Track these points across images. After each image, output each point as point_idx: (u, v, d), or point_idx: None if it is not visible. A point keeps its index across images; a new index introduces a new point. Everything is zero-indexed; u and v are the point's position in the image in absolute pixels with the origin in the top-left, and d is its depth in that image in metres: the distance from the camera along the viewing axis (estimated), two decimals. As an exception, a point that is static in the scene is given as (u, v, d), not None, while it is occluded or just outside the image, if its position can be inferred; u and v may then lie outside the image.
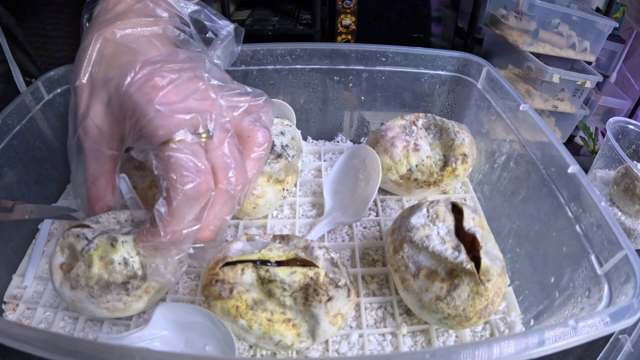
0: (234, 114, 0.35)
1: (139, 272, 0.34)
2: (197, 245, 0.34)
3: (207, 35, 0.42)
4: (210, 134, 0.32)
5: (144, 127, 0.31)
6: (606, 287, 0.32)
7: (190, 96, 0.33)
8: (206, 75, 0.36)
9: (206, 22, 0.42)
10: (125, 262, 0.33)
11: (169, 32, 0.38)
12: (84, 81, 0.35)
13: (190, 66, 0.35)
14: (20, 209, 0.34)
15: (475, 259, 0.34)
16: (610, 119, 0.58)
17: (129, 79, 0.32)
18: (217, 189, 0.33)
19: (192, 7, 0.41)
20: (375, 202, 0.51)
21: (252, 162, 0.36)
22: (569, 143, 1.70)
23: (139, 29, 0.36)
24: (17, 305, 0.40)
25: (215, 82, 0.36)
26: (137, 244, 0.33)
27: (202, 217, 0.32)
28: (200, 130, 0.32)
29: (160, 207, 0.31)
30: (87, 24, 0.38)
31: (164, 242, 0.32)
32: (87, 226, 0.35)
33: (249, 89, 0.37)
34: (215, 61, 0.41)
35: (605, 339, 0.37)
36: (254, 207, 0.45)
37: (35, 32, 0.54)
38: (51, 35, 0.55)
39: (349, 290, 0.34)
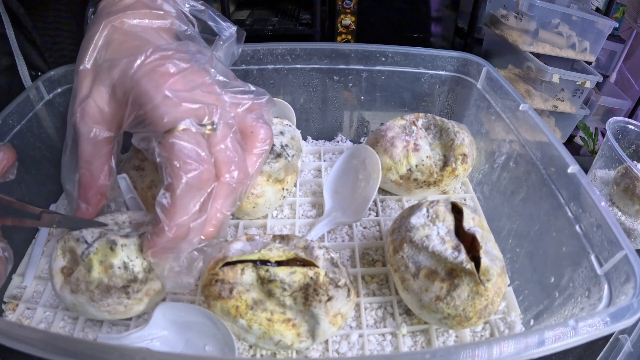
0: (237, 110, 0.35)
1: (140, 276, 0.34)
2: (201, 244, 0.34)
3: (209, 35, 0.42)
4: (215, 126, 0.32)
5: (149, 111, 0.31)
6: (606, 287, 0.32)
7: (197, 88, 0.33)
8: (212, 70, 0.36)
9: (209, 22, 0.42)
10: (125, 266, 0.33)
11: (175, 27, 0.38)
12: (88, 66, 0.34)
13: (199, 58, 0.35)
14: (48, 218, 0.34)
15: (475, 259, 0.34)
16: (610, 119, 0.58)
17: (138, 61, 0.32)
18: (220, 183, 0.33)
19: (197, 7, 0.41)
20: (375, 202, 0.51)
21: (254, 157, 0.36)
22: (569, 143, 1.70)
23: (147, 21, 0.36)
24: (17, 305, 0.40)
25: (220, 77, 0.36)
26: (144, 253, 0.33)
27: (207, 207, 0.32)
28: (206, 121, 0.32)
29: (162, 199, 0.31)
30: (92, 17, 0.38)
31: (170, 238, 0.31)
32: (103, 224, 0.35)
33: (252, 87, 0.38)
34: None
35: (605, 339, 0.37)
36: (254, 207, 0.45)
37: (42, 25, 0.54)
38: (51, 34, 0.55)
39: (348, 290, 0.34)
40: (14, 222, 0.33)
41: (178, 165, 0.30)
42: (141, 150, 0.34)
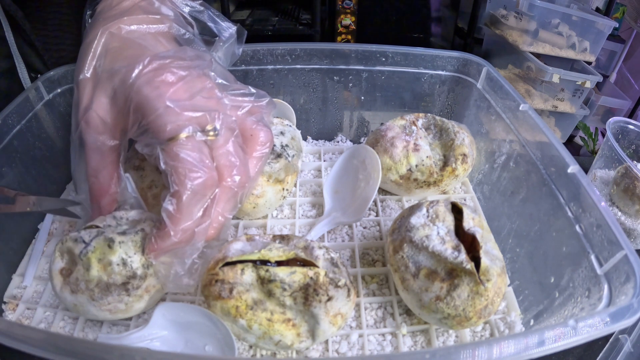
0: (237, 113, 0.36)
1: (138, 272, 0.34)
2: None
3: (209, 36, 0.42)
4: (216, 132, 0.33)
5: (152, 121, 0.31)
6: (606, 287, 0.32)
7: (198, 94, 0.33)
8: (212, 74, 0.36)
9: (209, 23, 0.42)
10: (124, 263, 0.33)
11: (174, 30, 0.38)
12: (88, 75, 0.34)
13: (198, 64, 0.35)
14: (23, 201, 0.34)
15: (475, 259, 0.34)
16: (610, 119, 0.58)
17: (136, 71, 0.32)
18: (222, 187, 0.33)
19: (196, 8, 0.41)
20: (375, 202, 0.51)
21: (255, 160, 0.36)
22: (569, 143, 1.70)
23: (145, 26, 0.36)
24: (17, 305, 0.40)
25: (220, 81, 0.36)
26: (147, 255, 0.33)
27: (211, 212, 0.33)
28: (208, 128, 0.32)
29: (168, 205, 0.31)
30: (90, 20, 0.38)
31: (175, 242, 0.32)
32: (97, 226, 0.35)
33: (252, 90, 0.38)
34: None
35: (605, 339, 0.37)
36: (254, 207, 0.45)
37: (41, 27, 0.54)
38: (52, 35, 0.55)
39: (348, 290, 0.34)
40: None
41: (183, 173, 0.31)
42: (145, 155, 0.34)
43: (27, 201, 0.34)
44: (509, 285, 0.43)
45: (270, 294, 0.33)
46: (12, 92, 0.48)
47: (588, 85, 1.37)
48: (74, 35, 0.56)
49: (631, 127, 0.60)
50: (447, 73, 0.57)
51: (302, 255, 0.34)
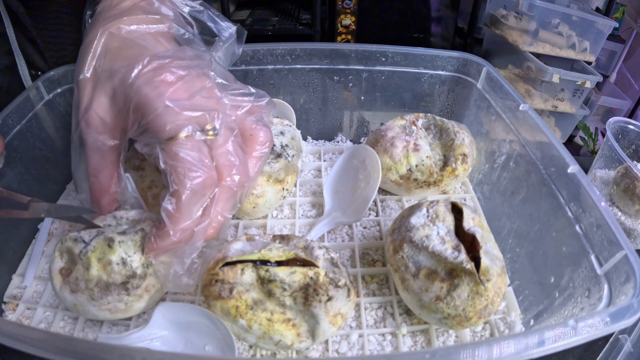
0: (237, 113, 0.36)
1: (138, 271, 0.34)
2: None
3: (209, 36, 0.42)
4: (216, 131, 0.33)
5: (152, 121, 0.32)
6: (606, 287, 0.32)
7: (197, 93, 0.33)
8: (212, 73, 0.36)
9: (209, 23, 0.42)
10: (124, 262, 0.33)
11: (173, 30, 0.38)
12: (88, 75, 0.34)
13: (198, 64, 0.35)
14: (36, 207, 0.34)
15: (475, 259, 0.34)
16: (610, 119, 0.58)
17: (135, 71, 0.32)
18: (221, 186, 0.33)
19: (196, 8, 0.41)
20: (375, 202, 0.51)
21: (254, 160, 0.36)
22: (569, 143, 1.70)
23: (145, 26, 0.36)
24: (17, 305, 0.40)
25: (220, 80, 0.36)
26: (146, 255, 0.33)
27: (210, 212, 0.33)
28: (207, 127, 0.32)
29: (168, 205, 0.31)
30: (90, 20, 0.38)
31: (174, 241, 0.32)
32: (98, 226, 0.35)
33: (252, 90, 0.38)
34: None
35: (605, 339, 0.37)
36: (254, 207, 0.45)
37: (41, 27, 0.54)
38: (51, 34, 0.55)
39: (348, 290, 0.34)
40: (0, 214, 0.33)
41: (183, 172, 0.31)
42: (144, 155, 0.34)
43: (40, 208, 0.34)
44: (509, 285, 0.43)
45: (270, 294, 0.33)
46: (13, 89, 0.48)
47: (588, 85, 1.37)
48: (74, 35, 0.56)
49: (631, 127, 0.60)
50: (447, 73, 0.57)
51: (302, 255, 0.34)
